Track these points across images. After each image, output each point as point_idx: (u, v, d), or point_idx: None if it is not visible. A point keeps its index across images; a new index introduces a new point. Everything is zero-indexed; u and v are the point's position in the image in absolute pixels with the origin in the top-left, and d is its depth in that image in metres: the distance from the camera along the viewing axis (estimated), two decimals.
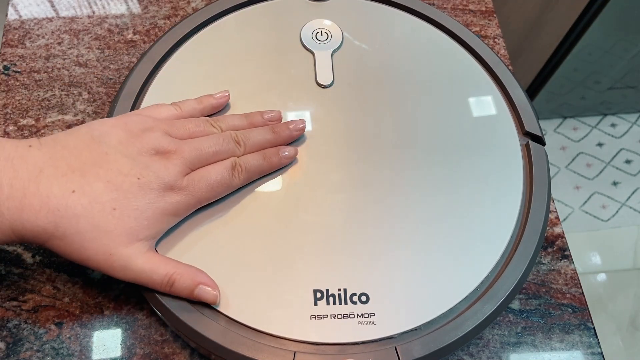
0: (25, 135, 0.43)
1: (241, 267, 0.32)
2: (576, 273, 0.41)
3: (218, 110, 0.37)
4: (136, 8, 0.51)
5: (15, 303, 0.37)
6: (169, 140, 0.32)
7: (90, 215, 0.28)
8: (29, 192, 0.28)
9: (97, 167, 0.29)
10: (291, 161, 0.36)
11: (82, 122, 0.45)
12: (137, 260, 0.30)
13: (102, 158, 0.30)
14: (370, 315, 0.31)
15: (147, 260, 0.30)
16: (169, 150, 0.31)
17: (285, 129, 0.36)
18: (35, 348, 0.35)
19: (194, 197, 0.31)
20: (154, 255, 0.30)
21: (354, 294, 0.31)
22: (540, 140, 0.38)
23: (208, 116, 0.36)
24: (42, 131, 0.44)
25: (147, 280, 0.30)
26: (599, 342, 0.38)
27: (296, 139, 0.37)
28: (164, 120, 0.33)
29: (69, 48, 0.48)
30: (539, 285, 0.40)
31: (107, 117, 0.37)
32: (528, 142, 0.38)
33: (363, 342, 0.30)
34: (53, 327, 0.36)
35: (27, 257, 0.38)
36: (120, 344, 0.36)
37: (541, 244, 0.35)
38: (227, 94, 0.37)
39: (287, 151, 0.35)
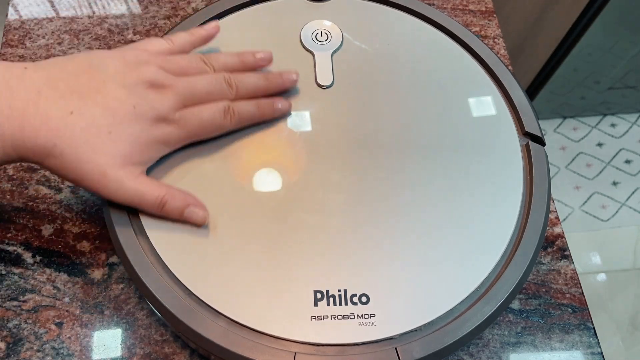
0: None
1: (241, 267, 0.32)
2: (576, 273, 0.41)
3: (208, 41, 0.38)
4: (136, 8, 0.51)
5: (15, 303, 0.37)
6: (164, 74, 0.32)
7: (87, 137, 0.29)
8: (28, 113, 0.29)
9: (95, 92, 0.30)
10: (283, 114, 0.37)
11: None
12: (131, 182, 0.31)
13: (100, 85, 0.31)
14: (370, 316, 0.31)
15: (141, 182, 0.31)
16: (164, 85, 0.32)
17: (277, 77, 0.37)
18: (35, 348, 0.35)
19: (185, 130, 0.33)
20: (146, 178, 0.32)
21: (354, 295, 0.31)
22: (540, 140, 0.38)
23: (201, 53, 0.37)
24: None
25: (140, 201, 0.31)
26: (599, 342, 0.38)
27: (287, 89, 0.37)
28: (158, 55, 0.34)
29: (69, 48, 0.48)
30: (539, 285, 0.40)
31: None
32: (528, 143, 0.38)
33: (363, 343, 0.30)
34: (53, 327, 0.36)
35: (27, 257, 0.38)
36: (120, 344, 0.36)
37: (541, 244, 0.35)
38: (216, 24, 0.38)
39: (280, 104, 0.36)
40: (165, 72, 0.33)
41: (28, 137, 0.29)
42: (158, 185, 0.32)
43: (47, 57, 0.47)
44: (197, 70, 0.34)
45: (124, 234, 0.32)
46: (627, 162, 1.40)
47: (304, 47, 0.41)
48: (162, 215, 0.32)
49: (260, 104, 0.36)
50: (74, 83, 0.30)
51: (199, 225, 0.32)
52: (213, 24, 0.38)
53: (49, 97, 0.29)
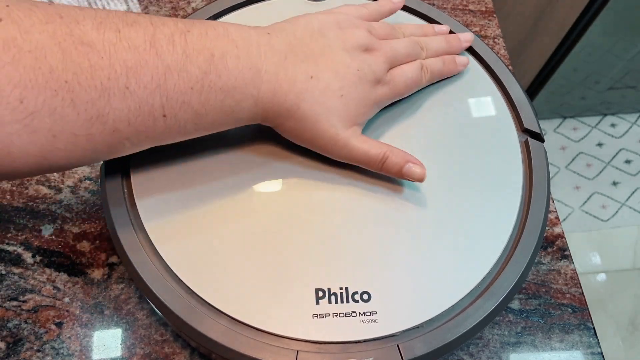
0: None
1: (243, 266, 0.32)
2: (576, 273, 0.41)
3: (393, 13, 0.41)
4: (136, 8, 0.51)
5: (15, 303, 0.37)
6: (373, 39, 0.35)
7: (325, 99, 0.32)
8: (280, 77, 0.31)
9: (324, 57, 0.33)
10: (464, 68, 0.41)
11: None
12: (357, 141, 0.34)
13: (326, 50, 0.33)
14: (372, 313, 0.31)
15: (364, 141, 0.34)
16: (374, 48, 0.35)
17: (457, 40, 0.41)
18: (35, 348, 0.35)
19: (394, 90, 0.36)
20: (367, 137, 0.35)
21: (356, 293, 0.31)
22: (539, 137, 0.38)
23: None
24: None
25: (364, 156, 0.34)
26: (599, 342, 0.38)
27: (465, 49, 0.41)
28: (362, 21, 0.37)
29: None
30: (538, 285, 0.40)
31: None
32: (527, 139, 0.38)
33: (365, 341, 0.30)
34: (53, 327, 0.36)
35: (27, 257, 0.38)
36: (120, 344, 0.36)
37: (541, 239, 0.35)
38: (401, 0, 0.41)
39: (460, 59, 0.40)
40: (372, 36, 0.35)
41: (277, 100, 0.31)
42: (379, 143, 0.34)
43: None
44: (393, 37, 0.38)
45: (124, 233, 0.32)
46: (627, 162, 1.40)
47: None
48: (381, 171, 0.34)
49: (445, 60, 0.39)
50: (307, 49, 0.33)
51: (419, 181, 0.34)
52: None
53: (294, 62, 0.32)
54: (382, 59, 0.35)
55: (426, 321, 0.31)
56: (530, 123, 0.38)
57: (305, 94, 0.31)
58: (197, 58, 0.28)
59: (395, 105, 0.39)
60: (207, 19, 0.42)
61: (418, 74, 0.37)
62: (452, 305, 0.31)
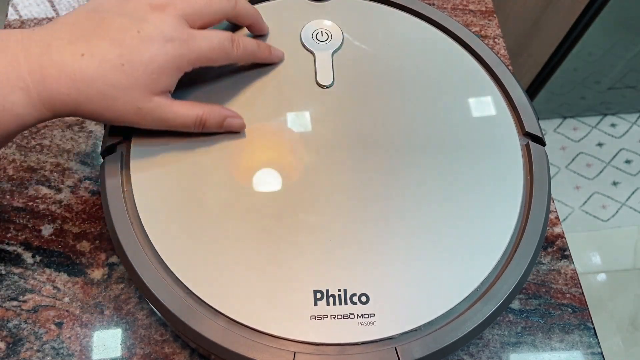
0: (25, 135, 0.43)
1: (241, 267, 0.32)
2: (576, 273, 0.41)
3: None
4: None
5: (15, 303, 0.37)
6: None
7: (104, 75, 0.30)
8: (44, 64, 0.29)
9: (99, 30, 0.30)
10: (277, 61, 0.39)
11: (82, 123, 0.45)
12: (166, 110, 0.32)
13: (101, 23, 0.31)
14: (370, 315, 0.31)
15: (175, 109, 0.32)
16: (162, 4, 0.32)
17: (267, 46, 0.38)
18: (35, 348, 0.35)
19: (194, 52, 0.32)
20: (178, 103, 0.33)
21: (354, 295, 0.31)
22: (540, 140, 0.38)
23: None
24: (42, 131, 0.44)
25: (181, 125, 0.33)
26: (599, 342, 0.38)
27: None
28: None
29: None
30: (539, 285, 0.40)
31: None
32: (528, 143, 0.38)
33: (363, 343, 0.30)
34: (53, 327, 0.36)
35: (27, 257, 0.38)
36: (120, 344, 0.36)
37: (541, 244, 0.35)
38: None
39: (276, 51, 0.39)
40: None
41: (51, 89, 0.29)
42: (192, 106, 0.33)
43: None
44: None
45: (123, 233, 0.32)
46: (627, 162, 1.40)
47: (304, 46, 0.41)
48: (202, 131, 0.34)
49: (260, 44, 0.37)
50: (77, 29, 0.30)
51: (239, 131, 0.34)
52: None
53: (59, 45, 0.30)
54: (173, 14, 0.32)
55: (425, 324, 0.31)
56: (531, 126, 0.38)
57: (79, 74, 0.29)
58: None
59: (395, 107, 0.39)
60: None
61: (226, 44, 0.34)
62: (451, 308, 0.31)
